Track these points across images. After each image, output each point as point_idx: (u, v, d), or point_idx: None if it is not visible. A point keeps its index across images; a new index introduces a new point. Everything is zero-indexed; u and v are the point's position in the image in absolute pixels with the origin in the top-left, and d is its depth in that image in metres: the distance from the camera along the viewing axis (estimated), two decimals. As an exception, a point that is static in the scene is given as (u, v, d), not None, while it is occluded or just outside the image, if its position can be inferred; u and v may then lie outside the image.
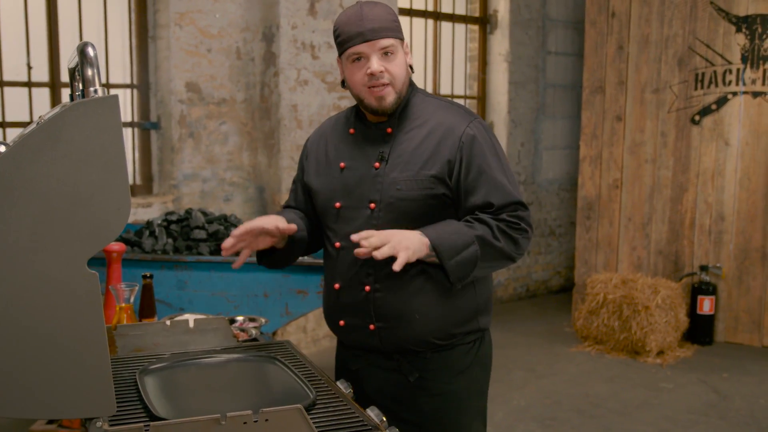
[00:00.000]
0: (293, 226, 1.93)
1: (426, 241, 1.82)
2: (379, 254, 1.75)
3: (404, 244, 1.78)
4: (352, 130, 2.02)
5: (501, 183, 1.90)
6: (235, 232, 1.89)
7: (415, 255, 1.80)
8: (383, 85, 1.87)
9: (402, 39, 1.93)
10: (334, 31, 1.93)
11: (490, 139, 1.94)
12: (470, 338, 2.01)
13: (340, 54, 1.93)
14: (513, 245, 1.89)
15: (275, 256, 2.06)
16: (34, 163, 1.21)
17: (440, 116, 1.94)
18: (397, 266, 1.76)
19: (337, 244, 1.98)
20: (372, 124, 1.98)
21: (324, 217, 2.04)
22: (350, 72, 1.91)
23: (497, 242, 1.86)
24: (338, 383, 1.66)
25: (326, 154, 2.04)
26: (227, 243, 1.89)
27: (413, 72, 1.99)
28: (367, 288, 1.94)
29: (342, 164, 1.99)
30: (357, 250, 1.78)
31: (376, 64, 1.86)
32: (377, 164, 1.93)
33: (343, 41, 1.89)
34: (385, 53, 1.87)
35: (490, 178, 1.89)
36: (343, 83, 1.98)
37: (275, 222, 1.92)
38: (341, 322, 2.01)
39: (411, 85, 2.00)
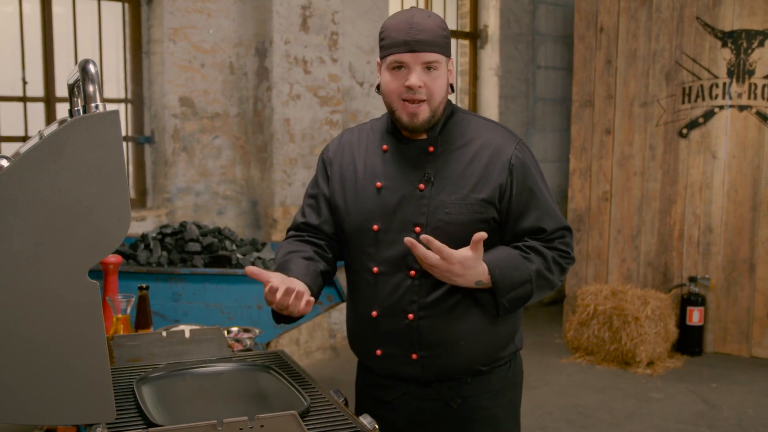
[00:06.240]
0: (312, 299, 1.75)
1: (487, 276, 1.76)
2: (426, 260, 1.69)
3: (457, 273, 1.73)
4: (385, 147, 1.89)
5: (551, 208, 1.87)
6: (279, 292, 1.68)
7: (465, 284, 1.76)
8: (419, 101, 1.77)
9: (448, 56, 1.82)
10: (381, 32, 1.82)
11: (536, 163, 1.89)
12: (506, 359, 1.95)
13: (382, 57, 1.82)
14: (561, 274, 1.87)
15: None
16: (37, 176, 1.25)
17: (485, 136, 1.86)
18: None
19: (375, 269, 1.86)
20: (409, 140, 1.87)
21: (356, 238, 1.89)
22: (387, 79, 1.80)
23: (551, 275, 1.83)
24: (361, 418, 1.53)
25: (355, 171, 1.90)
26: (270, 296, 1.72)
27: (452, 92, 1.87)
28: (411, 316, 1.83)
29: (378, 184, 1.86)
30: (408, 239, 1.69)
31: (415, 78, 1.75)
32: (422, 185, 1.82)
33: (387, 45, 1.78)
34: (428, 68, 1.77)
35: (540, 203, 1.85)
36: (378, 88, 1.86)
37: (303, 287, 1.76)
38: (378, 352, 1.89)
39: (449, 103, 1.89)
